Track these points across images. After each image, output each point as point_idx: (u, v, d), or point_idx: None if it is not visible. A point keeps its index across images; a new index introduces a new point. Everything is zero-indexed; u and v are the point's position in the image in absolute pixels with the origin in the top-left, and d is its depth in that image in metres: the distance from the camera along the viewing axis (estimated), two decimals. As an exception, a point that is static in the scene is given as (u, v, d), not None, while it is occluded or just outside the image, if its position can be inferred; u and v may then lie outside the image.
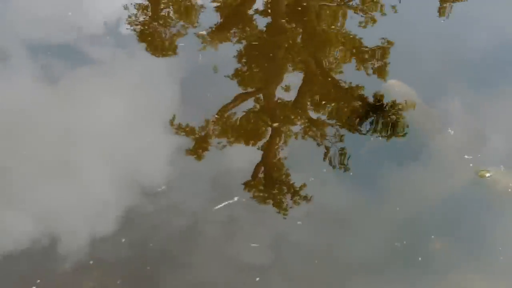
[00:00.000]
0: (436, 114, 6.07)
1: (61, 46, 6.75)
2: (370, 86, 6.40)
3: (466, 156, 5.60)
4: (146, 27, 7.19)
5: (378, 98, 6.23)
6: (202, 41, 6.89)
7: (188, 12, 7.45)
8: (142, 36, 7.06)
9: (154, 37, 7.04)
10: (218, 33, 7.08)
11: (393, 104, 6.15)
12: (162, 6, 7.62)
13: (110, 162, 5.48)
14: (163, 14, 7.46)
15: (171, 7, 7.59)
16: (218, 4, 7.56)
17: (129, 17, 7.26)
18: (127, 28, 7.12)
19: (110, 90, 6.22)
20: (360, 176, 5.52)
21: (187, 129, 5.87)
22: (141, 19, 7.30)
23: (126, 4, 7.39)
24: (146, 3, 7.53)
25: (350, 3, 7.73)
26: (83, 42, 6.80)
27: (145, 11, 7.44)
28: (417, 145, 5.76)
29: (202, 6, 7.48)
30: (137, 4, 7.45)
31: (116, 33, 7.07)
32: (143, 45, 6.94)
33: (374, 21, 7.41)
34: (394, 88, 6.31)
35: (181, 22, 7.26)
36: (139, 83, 6.33)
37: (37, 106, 5.97)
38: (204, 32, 6.54)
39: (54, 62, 6.49)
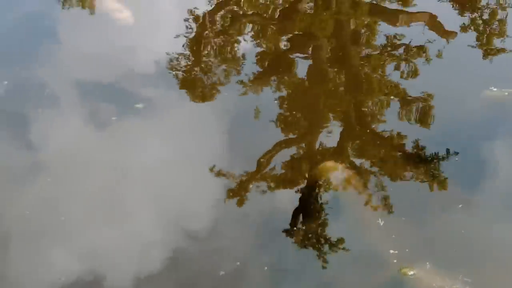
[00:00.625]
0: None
1: (109, 87, 6.85)
2: (413, 134, 6.31)
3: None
4: (188, 73, 7.23)
5: (420, 147, 6.14)
6: (243, 86, 6.91)
7: (230, 58, 7.48)
8: (185, 81, 7.11)
9: (197, 83, 7.07)
10: (260, 79, 7.09)
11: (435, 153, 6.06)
12: (205, 51, 7.69)
13: (153, 203, 5.48)
14: (206, 59, 7.52)
15: (214, 52, 7.66)
16: (261, 50, 7.59)
17: (171, 61, 7.33)
18: (171, 73, 7.18)
19: (155, 132, 6.27)
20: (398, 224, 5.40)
21: (228, 174, 5.83)
22: (184, 64, 7.36)
23: (169, 51, 7.46)
24: (188, 52, 7.59)
25: (395, 51, 7.68)
26: (131, 84, 6.88)
27: (188, 57, 7.50)
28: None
29: (244, 53, 7.51)
30: (180, 51, 7.53)
31: (161, 76, 7.13)
32: (186, 90, 6.99)
33: (417, 70, 7.35)
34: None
35: (223, 68, 7.29)
36: (183, 127, 6.37)
37: (82, 147, 6.04)
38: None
39: (100, 103, 6.59)
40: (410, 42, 7.73)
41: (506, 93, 6.83)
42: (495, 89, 6.85)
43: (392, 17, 8.37)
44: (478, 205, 5.52)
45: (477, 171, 5.86)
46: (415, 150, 6.13)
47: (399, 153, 6.14)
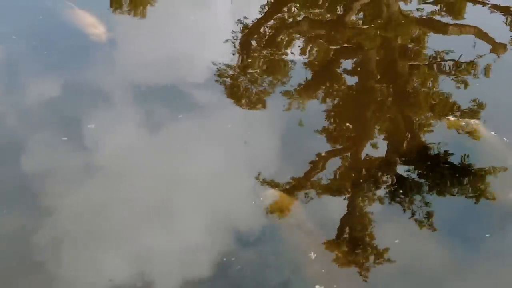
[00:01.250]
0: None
1: (163, 91, 6.95)
2: (460, 147, 6.26)
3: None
4: (236, 82, 7.29)
5: (468, 158, 6.09)
6: (289, 97, 6.93)
7: (278, 68, 7.51)
8: (233, 91, 7.16)
9: (244, 92, 7.12)
10: (307, 89, 7.10)
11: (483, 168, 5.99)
12: (253, 61, 7.74)
13: (202, 208, 5.56)
14: (253, 69, 7.57)
15: (261, 62, 7.70)
16: (308, 60, 7.61)
17: (219, 70, 7.40)
18: (219, 81, 7.24)
19: (203, 138, 6.34)
20: (448, 237, 5.36)
21: (275, 183, 5.86)
22: (232, 73, 7.43)
23: (217, 61, 7.54)
24: (236, 61, 7.66)
25: (443, 63, 7.63)
26: (183, 90, 6.98)
27: (236, 66, 7.57)
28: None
29: (292, 62, 7.54)
30: (229, 61, 7.60)
31: (209, 84, 7.19)
32: (234, 99, 7.03)
33: (465, 82, 7.29)
34: (487, 149, 6.16)
35: (270, 78, 7.33)
36: (230, 135, 6.42)
37: (136, 150, 6.16)
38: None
39: (153, 106, 6.68)
40: (460, 57, 7.68)
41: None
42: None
43: (441, 28, 8.32)
44: None
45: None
46: (464, 163, 6.10)
47: (446, 166, 6.10)
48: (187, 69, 7.33)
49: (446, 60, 7.68)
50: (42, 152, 6.03)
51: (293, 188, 5.82)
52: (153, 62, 7.38)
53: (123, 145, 6.22)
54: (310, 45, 7.98)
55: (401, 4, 8.83)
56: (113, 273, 4.97)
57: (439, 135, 6.44)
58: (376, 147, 6.33)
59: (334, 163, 6.13)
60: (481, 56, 7.72)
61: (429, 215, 5.55)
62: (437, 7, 8.81)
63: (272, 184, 5.84)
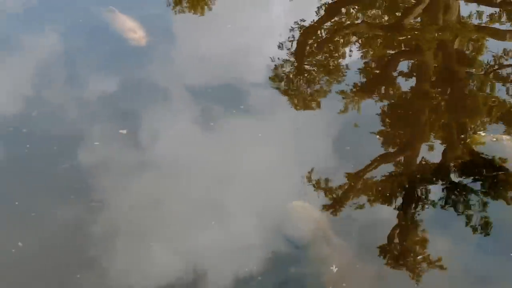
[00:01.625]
0: None
1: (219, 89, 7.07)
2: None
3: None
4: (291, 81, 7.34)
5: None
6: (344, 97, 6.95)
7: (334, 70, 7.53)
8: (288, 89, 7.23)
9: (299, 92, 7.18)
10: (362, 91, 7.11)
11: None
12: (309, 61, 7.78)
13: (253, 207, 5.63)
14: (309, 69, 7.61)
15: (317, 62, 7.73)
16: (365, 62, 7.62)
17: (276, 68, 7.47)
18: (275, 79, 7.33)
19: (258, 137, 6.43)
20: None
21: (327, 185, 5.91)
22: (288, 72, 7.49)
23: (274, 58, 7.61)
24: (292, 60, 7.71)
25: (500, 71, 7.55)
26: (239, 88, 7.10)
27: (292, 65, 7.62)
28: None
29: (346, 66, 7.56)
30: (285, 59, 7.66)
31: (265, 82, 7.28)
32: (289, 98, 7.10)
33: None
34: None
35: (327, 79, 7.35)
36: (284, 134, 6.49)
37: (191, 147, 6.29)
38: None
39: (209, 104, 6.81)
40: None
41: None
42: None
43: (499, 34, 8.22)
44: None
45: None
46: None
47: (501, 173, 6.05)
48: (240, 69, 7.44)
49: (505, 66, 7.60)
50: (99, 146, 6.23)
51: (342, 191, 5.86)
52: (201, 62, 7.51)
53: (177, 141, 6.35)
54: (367, 48, 7.97)
55: (461, 7, 8.75)
56: (163, 268, 5.10)
57: (494, 146, 6.40)
58: (431, 153, 6.29)
59: (386, 169, 6.13)
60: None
61: (485, 232, 5.52)
62: (497, 11, 8.69)
63: (320, 186, 5.89)
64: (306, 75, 7.46)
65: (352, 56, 7.75)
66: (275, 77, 7.37)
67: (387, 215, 5.63)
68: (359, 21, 8.54)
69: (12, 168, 5.99)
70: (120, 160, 6.08)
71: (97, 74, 7.19)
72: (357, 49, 7.90)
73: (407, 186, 5.94)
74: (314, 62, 7.76)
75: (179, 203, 5.66)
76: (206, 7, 8.87)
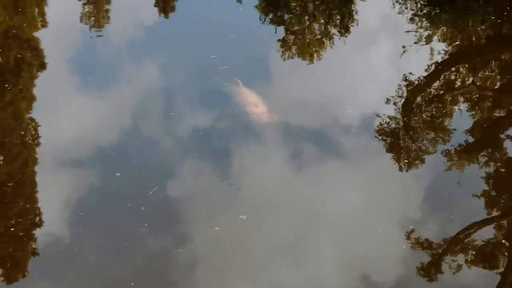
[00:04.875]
0: None
1: (314, 132, 7.28)
2: None
3: None
4: (395, 134, 7.39)
5: None
6: (449, 160, 6.92)
7: (438, 128, 7.53)
8: (391, 143, 7.27)
9: (402, 147, 7.20)
10: (467, 152, 7.06)
11: None
12: (418, 117, 7.82)
13: (340, 248, 5.72)
14: (414, 126, 7.63)
15: (425, 119, 7.76)
16: (472, 124, 7.57)
17: (381, 124, 7.53)
18: (377, 130, 7.43)
19: (348, 181, 6.56)
20: None
21: (424, 243, 5.90)
22: (394, 125, 7.57)
23: (380, 112, 7.71)
24: (398, 113, 7.77)
25: None
26: (335, 133, 7.29)
27: (397, 120, 7.68)
28: None
29: (452, 128, 7.52)
30: (391, 113, 7.74)
31: (365, 132, 7.40)
32: (393, 150, 7.15)
33: None
34: None
35: (432, 136, 7.35)
36: (381, 183, 6.57)
37: (282, 185, 6.45)
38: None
39: (303, 145, 7.03)
40: None
41: None
42: None
43: None
44: None
45: None
46: None
47: None
48: (345, 116, 7.59)
49: None
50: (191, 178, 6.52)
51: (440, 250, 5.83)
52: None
53: (268, 177, 6.55)
54: (475, 109, 7.92)
55: None
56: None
57: None
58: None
59: (486, 232, 6.05)
60: None
61: None
62: None
63: (416, 239, 5.89)
64: (412, 130, 7.49)
65: (461, 116, 7.71)
66: (381, 129, 7.43)
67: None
68: (469, 81, 8.50)
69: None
70: (209, 191, 6.33)
71: (215, 147, 7.25)
72: (465, 108, 7.86)
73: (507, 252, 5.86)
74: (419, 118, 7.76)
75: (264, 237, 5.80)
76: (322, 71, 9.00)
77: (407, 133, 7.41)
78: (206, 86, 8.27)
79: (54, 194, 6.31)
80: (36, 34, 9.62)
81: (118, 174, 6.55)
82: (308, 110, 7.75)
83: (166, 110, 7.72)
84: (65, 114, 7.54)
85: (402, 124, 7.59)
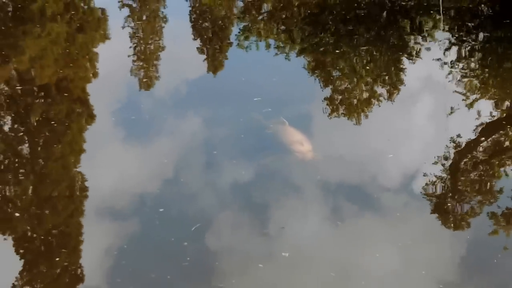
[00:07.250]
0: None
1: (354, 187, 7.35)
2: None
3: None
4: (442, 196, 7.34)
5: None
6: (494, 223, 6.83)
7: (486, 191, 7.43)
8: (438, 204, 7.20)
9: (449, 208, 7.14)
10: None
11: None
12: (465, 180, 7.75)
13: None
14: (462, 188, 7.57)
15: (472, 182, 7.68)
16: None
17: (427, 185, 7.47)
18: (424, 193, 7.38)
19: (386, 239, 6.55)
20: None
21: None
22: (440, 187, 7.55)
23: (427, 173, 7.64)
24: (445, 176, 7.70)
25: None
26: (376, 190, 7.29)
27: (446, 181, 7.65)
28: None
29: (500, 189, 7.41)
30: (439, 175, 7.67)
31: (407, 191, 7.39)
32: (439, 212, 7.07)
33: None
34: None
35: (478, 199, 7.26)
36: (420, 242, 6.54)
37: (316, 240, 6.53)
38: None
39: (341, 200, 7.10)
40: None
41: None
42: None
43: None
44: None
45: None
46: None
47: None
48: (387, 171, 7.64)
49: None
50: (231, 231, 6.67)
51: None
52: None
53: (304, 233, 6.60)
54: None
55: None
56: None
57: None
58: None
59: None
60: None
61: None
62: None
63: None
64: (458, 193, 7.42)
65: (506, 179, 7.61)
66: (426, 190, 7.37)
67: None
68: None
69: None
70: (248, 246, 6.44)
71: (260, 185, 7.43)
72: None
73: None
74: (466, 181, 7.69)
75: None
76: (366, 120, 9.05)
77: (453, 194, 7.35)
78: (253, 124, 8.57)
79: (99, 243, 6.57)
80: (87, 86, 9.94)
81: (158, 223, 6.83)
82: (353, 164, 7.85)
83: (214, 150, 8.04)
84: (112, 165, 7.78)
85: (448, 184, 7.55)
